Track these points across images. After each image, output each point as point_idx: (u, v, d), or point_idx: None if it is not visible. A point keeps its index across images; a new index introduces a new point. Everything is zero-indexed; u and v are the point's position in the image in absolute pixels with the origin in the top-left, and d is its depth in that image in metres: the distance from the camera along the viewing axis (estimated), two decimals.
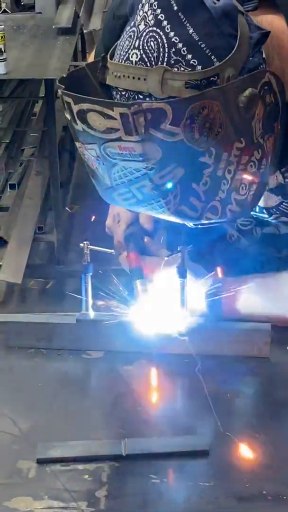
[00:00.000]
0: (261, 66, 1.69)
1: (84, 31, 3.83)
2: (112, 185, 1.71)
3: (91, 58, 2.16)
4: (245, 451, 1.65)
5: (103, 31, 2.04)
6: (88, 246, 1.99)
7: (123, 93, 1.66)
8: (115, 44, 1.71)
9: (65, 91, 1.66)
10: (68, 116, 1.68)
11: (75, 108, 1.65)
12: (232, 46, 1.64)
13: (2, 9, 4.54)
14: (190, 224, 1.74)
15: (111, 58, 1.70)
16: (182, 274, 1.92)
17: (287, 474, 1.60)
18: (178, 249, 1.93)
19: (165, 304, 1.97)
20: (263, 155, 1.73)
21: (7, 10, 4.52)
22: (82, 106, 1.64)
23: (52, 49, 3.61)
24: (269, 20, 1.77)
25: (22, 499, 1.54)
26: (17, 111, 3.87)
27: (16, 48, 3.57)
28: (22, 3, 4.88)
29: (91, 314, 1.99)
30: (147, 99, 1.63)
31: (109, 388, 1.87)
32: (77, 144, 1.72)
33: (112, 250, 2.08)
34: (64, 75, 1.74)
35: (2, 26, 3.20)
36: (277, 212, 2.00)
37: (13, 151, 3.47)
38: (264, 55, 1.71)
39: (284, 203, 1.96)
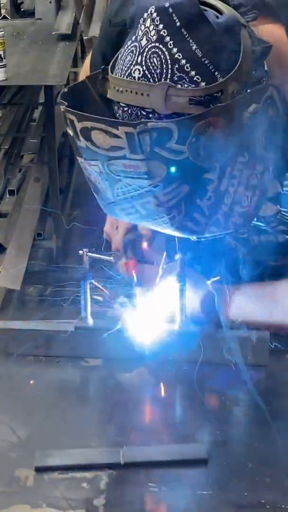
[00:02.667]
0: (264, 79, 1.69)
1: (84, 37, 3.83)
2: (115, 200, 1.70)
3: (86, 63, 2.16)
4: (244, 461, 1.65)
5: (100, 38, 2.04)
6: (87, 253, 1.99)
7: (125, 108, 1.65)
8: (116, 56, 1.70)
9: (68, 109, 1.65)
10: (70, 133, 1.67)
11: (79, 126, 1.64)
12: (235, 61, 1.63)
13: (2, 15, 4.55)
14: (193, 237, 1.74)
15: (111, 71, 1.69)
16: (181, 281, 1.92)
17: (285, 483, 1.59)
18: (176, 256, 1.93)
19: (163, 311, 1.96)
20: (265, 167, 1.73)
21: (7, 16, 4.53)
22: (86, 124, 1.63)
23: (52, 55, 3.62)
24: (269, 30, 1.77)
25: (20, 507, 1.54)
26: (16, 117, 3.88)
27: (16, 54, 3.58)
28: (22, 9, 4.89)
29: (90, 321, 1.99)
30: (150, 115, 1.62)
31: (107, 396, 1.87)
32: (79, 159, 1.71)
33: (111, 258, 2.08)
34: (65, 90, 1.73)
35: (2, 32, 3.21)
36: (275, 220, 2.00)
37: (12, 157, 3.48)
38: (266, 67, 1.71)
39: (282, 212, 1.96)
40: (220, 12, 1.67)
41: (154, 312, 1.97)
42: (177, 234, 1.73)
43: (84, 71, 2.14)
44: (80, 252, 1.99)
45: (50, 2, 4.38)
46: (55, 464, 1.64)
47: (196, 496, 1.57)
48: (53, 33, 3.92)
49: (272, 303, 1.96)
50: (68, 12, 4.37)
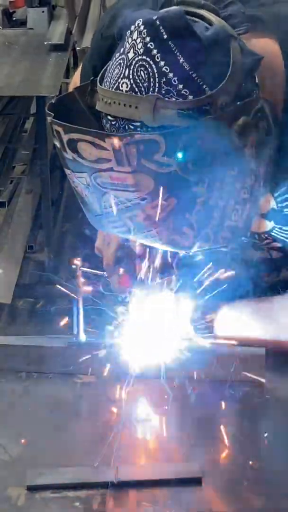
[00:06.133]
0: (254, 92, 1.68)
1: (77, 48, 3.82)
2: (102, 213, 1.69)
3: (76, 76, 2.15)
4: (239, 479, 1.63)
5: (91, 51, 2.03)
6: (80, 268, 1.97)
7: (113, 122, 1.64)
8: (104, 68, 1.69)
9: (55, 120, 1.64)
10: (57, 144, 1.66)
11: (65, 137, 1.63)
12: (224, 74, 1.61)
13: None
14: (181, 252, 1.73)
15: (100, 83, 1.68)
16: (176, 296, 1.91)
17: (281, 503, 1.57)
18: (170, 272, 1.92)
19: (156, 327, 1.95)
20: (255, 181, 1.71)
21: None
22: (73, 136, 1.62)
23: (44, 65, 3.61)
24: (262, 44, 1.75)
25: None
26: (8, 127, 3.86)
27: (8, 64, 3.57)
28: (14, 18, 4.88)
29: (83, 337, 1.97)
30: (139, 128, 1.60)
31: (100, 413, 1.85)
32: (66, 171, 1.70)
33: (105, 272, 2.06)
34: (52, 101, 1.72)
35: None
36: (269, 237, 1.99)
37: (3, 168, 3.46)
38: (256, 80, 1.70)
39: (276, 228, 1.95)
40: (210, 23, 1.66)
41: (147, 328, 1.95)
42: (165, 248, 1.72)
43: (74, 83, 2.13)
44: (73, 266, 1.98)
45: (43, 12, 4.37)
46: (47, 483, 1.61)
47: None
48: (46, 43, 3.92)
49: (267, 319, 1.94)
50: (60, 22, 4.36)
